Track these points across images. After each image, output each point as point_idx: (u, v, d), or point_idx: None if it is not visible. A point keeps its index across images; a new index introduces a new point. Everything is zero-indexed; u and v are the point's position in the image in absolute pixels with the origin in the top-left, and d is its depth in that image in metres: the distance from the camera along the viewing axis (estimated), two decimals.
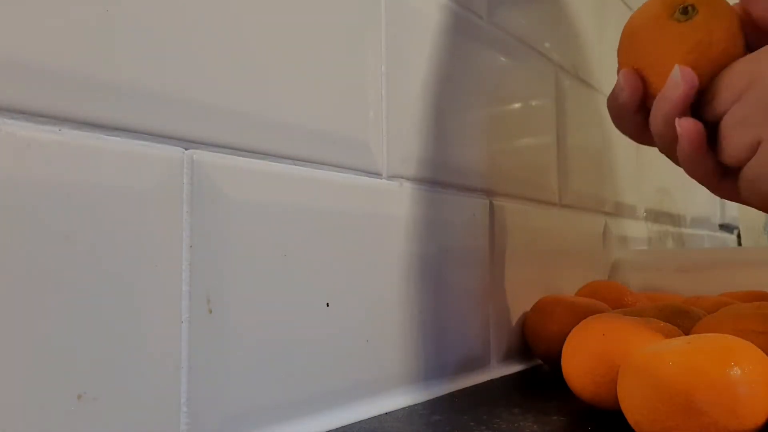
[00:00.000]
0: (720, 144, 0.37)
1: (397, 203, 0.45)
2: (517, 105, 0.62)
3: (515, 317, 0.59)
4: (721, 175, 0.38)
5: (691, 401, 0.31)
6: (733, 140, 0.36)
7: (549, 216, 0.67)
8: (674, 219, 1.07)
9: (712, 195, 0.40)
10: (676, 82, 0.37)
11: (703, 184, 0.39)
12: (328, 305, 0.39)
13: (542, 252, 0.64)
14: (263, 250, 0.35)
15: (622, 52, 0.41)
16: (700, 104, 0.37)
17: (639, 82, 0.39)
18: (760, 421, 0.31)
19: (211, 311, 0.32)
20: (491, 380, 0.53)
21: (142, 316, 0.29)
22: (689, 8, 0.38)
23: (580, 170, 0.74)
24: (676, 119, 0.37)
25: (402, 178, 0.45)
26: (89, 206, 0.27)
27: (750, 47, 0.38)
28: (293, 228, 0.37)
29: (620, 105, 0.40)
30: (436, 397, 0.46)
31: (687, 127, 0.37)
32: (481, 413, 0.41)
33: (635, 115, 0.40)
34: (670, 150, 0.39)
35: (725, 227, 1.32)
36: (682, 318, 0.47)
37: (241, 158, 0.34)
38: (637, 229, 0.91)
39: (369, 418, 0.40)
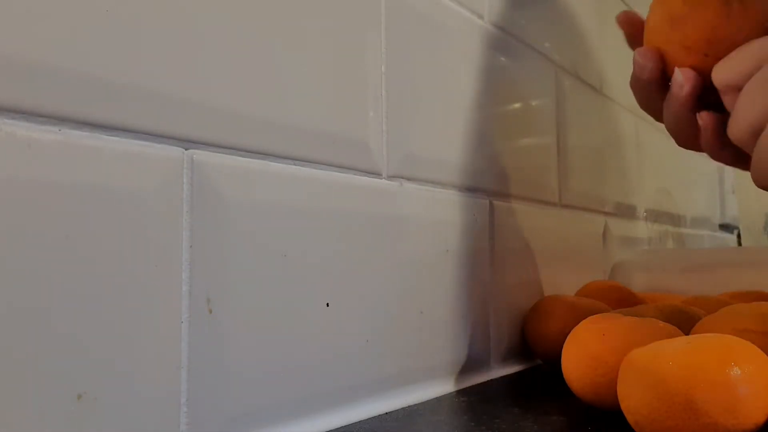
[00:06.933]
0: (729, 125, 0.37)
1: (397, 203, 0.45)
2: (517, 105, 0.62)
3: (515, 317, 0.59)
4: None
5: (691, 401, 0.31)
6: (738, 123, 0.36)
7: (549, 216, 0.67)
8: (674, 219, 1.07)
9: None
10: (680, 83, 0.37)
11: (734, 167, 0.40)
12: (328, 305, 0.39)
13: (542, 252, 0.64)
14: (263, 250, 0.35)
15: (657, 31, 0.40)
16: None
17: (659, 56, 0.39)
18: (760, 420, 0.31)
19: (211, 311, 0.32)
20: (491, 380, 0.53)
21: (142, 316, 0.29)
22: None
23: (580, 170, 0.74)
24: (697, 114, 0.38)
25: (402, 178, 0.45)
26: (89, 206, 0.27)
27: None
28: (293, 228, 0.37)
29: (644, 83, 0.40)
30: (436, 397, 0.46)
31: (708, 119, 0.38)
32: (481, 413, 0.41)
33: (659, 94, 0.41)
34: (688, 143, 0.40)
35: (725, 227, 1.32)
36: (682, 318, 0.47)
37: (241, 158, 0.34)
38: (637, 229, 0.91)
39: (369, 418, 0.40)
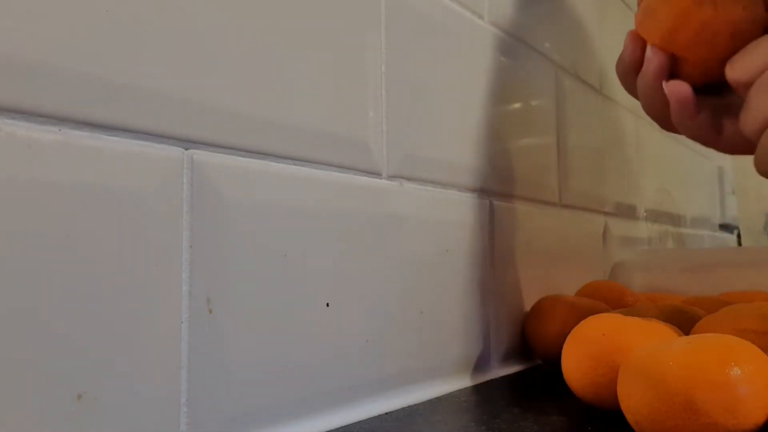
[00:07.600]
0: (741, 118, 0.37)
1: (397, 203, 0.45)
2: (517, 105, 0.62)
3: (515, 317, 0.59)
4: (718, 132, 0.40)
5: (691, 401, 0.31)
6: (751, 117, 0.36)
7: (549, 216, 0.67)
8: (674, 219, 1.07)
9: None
10: (649, 58, 0.40)
11: (701, 143, 0.41)
12: (328, 305, 0.39)
13: (542, 252, 0.64)
14: (263, 250, 0.35)
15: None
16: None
17: (642, 39, 0.41)
18: (760, 420, 0.31)
19: (211, 311, 0.32)
20: (491, 380, 0.53)
21: (142, 316, 0.29)
22: None
23: (580, 170, 0.74)
24: (663, 82, 0.40)
25: (402, 178, 0.45)
26: (89, 206, 0.27)
27: None
28: (293, 228, 0.37)
29: (626, 64, 0.42)
30: (436, 397, 0.46)
31: (673, 87, 0.39)
32: (481, 413, 0.41)
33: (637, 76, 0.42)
34: (661, 119, 0.42)
35: (725, 227, 1.32)
36: (682, 318, 0.47)
37: (241, 158, 0.34)
38: (637, 229, 0.91)
39: (369, 418, 0.40)
